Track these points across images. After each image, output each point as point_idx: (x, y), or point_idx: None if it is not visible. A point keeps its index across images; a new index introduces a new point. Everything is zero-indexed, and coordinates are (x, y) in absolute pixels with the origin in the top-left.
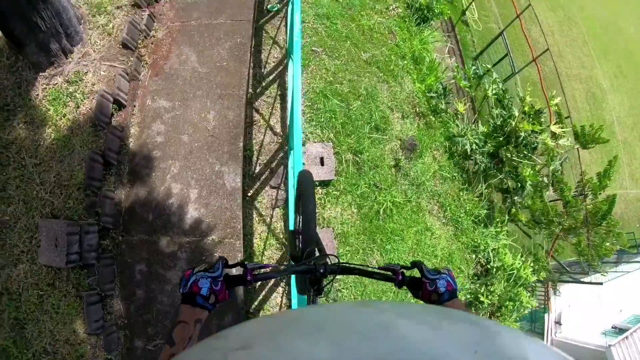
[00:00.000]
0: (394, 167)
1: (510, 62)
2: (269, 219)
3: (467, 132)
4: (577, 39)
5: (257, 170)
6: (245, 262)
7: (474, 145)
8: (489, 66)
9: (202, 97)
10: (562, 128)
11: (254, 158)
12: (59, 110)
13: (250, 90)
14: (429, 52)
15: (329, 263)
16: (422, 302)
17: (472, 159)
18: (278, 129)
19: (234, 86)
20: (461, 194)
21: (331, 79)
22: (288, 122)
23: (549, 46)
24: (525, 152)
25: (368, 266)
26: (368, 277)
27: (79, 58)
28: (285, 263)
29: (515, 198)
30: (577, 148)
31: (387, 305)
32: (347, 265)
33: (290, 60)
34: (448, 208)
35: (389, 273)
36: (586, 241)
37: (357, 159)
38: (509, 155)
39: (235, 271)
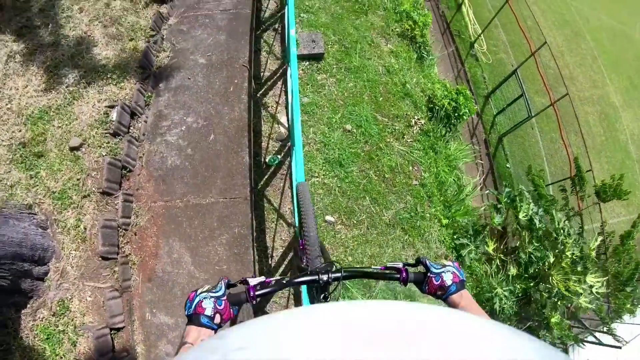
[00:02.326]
0: None
1: (526, 104)
2: None
3: (497, 287)
4: (586, 56)
5: None
6: (247, 279)
7: (503, 300)
8: (524, 189)
9: None
10: (597, 278)
11: None
12: (57, 351)
13: None
14: (457, 176)
15: (331, 270)
16: (430, 296)
17: (500, 309)
18: None
19: None
20: None
21: (350, 258)
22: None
23: (560, 68)
24: (556, 300)
25: (371, 267)
26: (372, 278)
27: (58, 280)
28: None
29: (540, 332)
30: (599, 204)
31: (388, 304)
32: (350, 269)
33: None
34: None
35: (393, 272)
36: (606, 304)
37: None
38: (537, 297)
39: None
